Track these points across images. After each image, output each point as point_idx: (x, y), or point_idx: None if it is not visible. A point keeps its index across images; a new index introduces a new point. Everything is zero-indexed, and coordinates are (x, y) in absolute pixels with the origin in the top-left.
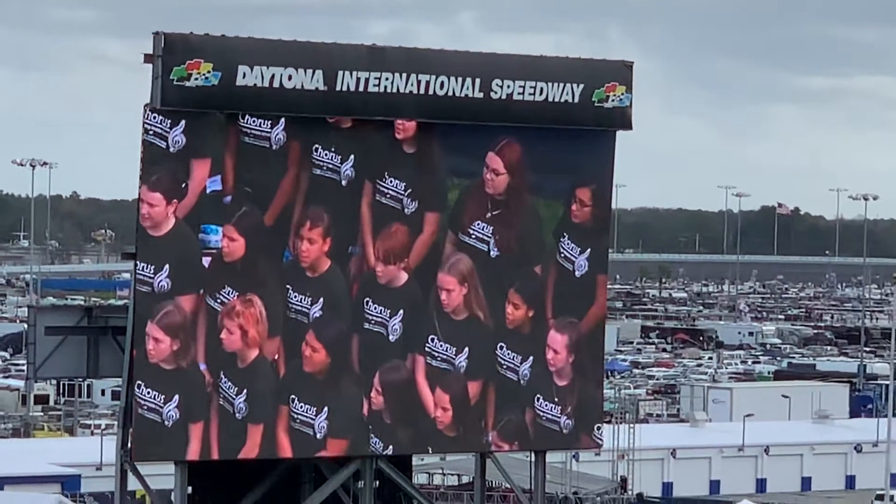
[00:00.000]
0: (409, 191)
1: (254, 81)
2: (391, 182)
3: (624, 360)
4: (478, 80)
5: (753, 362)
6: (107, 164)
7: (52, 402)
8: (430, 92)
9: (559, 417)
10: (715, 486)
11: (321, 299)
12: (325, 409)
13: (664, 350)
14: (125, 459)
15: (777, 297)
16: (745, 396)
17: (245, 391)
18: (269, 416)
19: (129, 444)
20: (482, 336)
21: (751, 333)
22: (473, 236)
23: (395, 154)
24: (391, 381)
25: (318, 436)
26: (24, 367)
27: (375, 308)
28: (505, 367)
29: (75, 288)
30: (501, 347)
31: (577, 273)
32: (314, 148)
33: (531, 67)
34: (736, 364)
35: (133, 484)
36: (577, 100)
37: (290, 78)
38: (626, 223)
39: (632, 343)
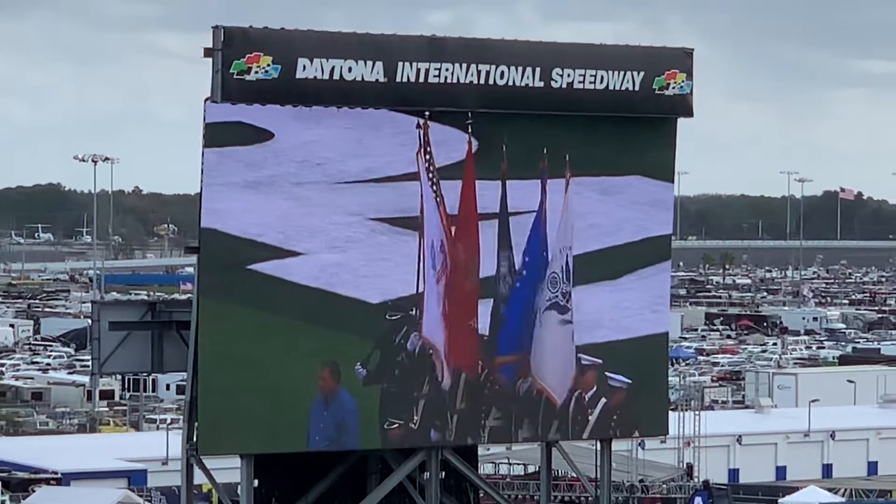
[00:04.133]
0: None
1: (314, 74)
2: None
3: (688, 348)
4: (538, 70)
5: (818, 347)
6: (168, 158)
7: (117, 398)
8: (491, 82)
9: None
10: (781, 471)
11: None
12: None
13: (728, 337)
14: (191, 453)
15: (841, 282)
16: (810, 382)
17: None
18: None
19: (195, 438)
20: None
21: (815, 319)
22: None
23: None
24: None
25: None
26: (89, 363)
27: None
28: None
29: (139, 283)
30: None
31: None
32: None
33: (591, 56)
34: (801, 349)
35: (200, 478)
36: (637, 88)
37: (349, 70)
38: (688, 210)
39: (696, 330)
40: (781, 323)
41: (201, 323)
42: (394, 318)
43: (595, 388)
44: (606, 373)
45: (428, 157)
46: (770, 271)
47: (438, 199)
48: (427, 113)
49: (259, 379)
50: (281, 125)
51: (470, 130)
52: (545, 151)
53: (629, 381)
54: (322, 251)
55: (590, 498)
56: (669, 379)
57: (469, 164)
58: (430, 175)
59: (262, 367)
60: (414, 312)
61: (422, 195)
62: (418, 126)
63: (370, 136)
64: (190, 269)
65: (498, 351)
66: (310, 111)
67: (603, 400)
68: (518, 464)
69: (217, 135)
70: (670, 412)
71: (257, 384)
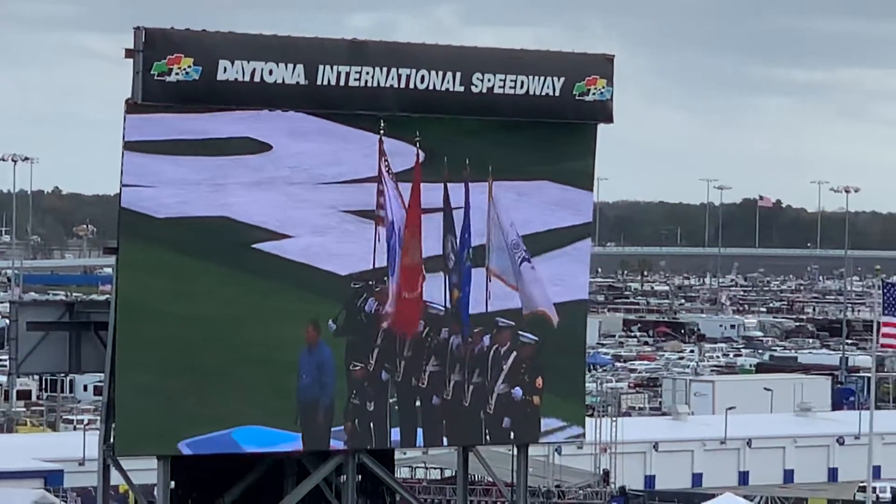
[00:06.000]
0: None
1: (234, 76)
2: None
3: (606, 354)
4: (458, 74)
5: (735, 355)
6: (88, 159)
7: (34, 398)
8: (411, 86)
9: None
10: (697, 478)
11: None
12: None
13: (646, 343)
14: (108, 454)
15: (759, 290)
16: (727, 389)
17: None
18: None
19: (112, 439)
20: None
21: (732, 326)
22: None
23: None
24: None
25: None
26: (6, 363)
27: None
28: None
29: (57, 283)
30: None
31: None
32: None
33: (512, 61)
34: (718, 357)
35: (116, 479)
36: (557, 93)
37: (270, 72)
38: (607, 216)
39: (613, 336)
40: (699, 330)
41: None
42: (356, 286)
43: (509, 344)
44: (519, 332)
45: (386, 164)
46: (688, 278)
47: (397, 196)
48: (382, 130)
49: (251, 334)
50: (277, 139)
51: (418, 145)
52: (467, 162)
53: (536, 338)
54: (306, 235)
55: (506, 503)
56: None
57: (417, 170)
58: (391, 177)
59: (254, 326)
60: (372, 283)
61: (382, 193)
62: (379, 141)
63: (342, 148)
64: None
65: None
66: (300, 129)
67: (514, 353)
68: (435, 468)
69: (226, 146)
70: (587, 418)
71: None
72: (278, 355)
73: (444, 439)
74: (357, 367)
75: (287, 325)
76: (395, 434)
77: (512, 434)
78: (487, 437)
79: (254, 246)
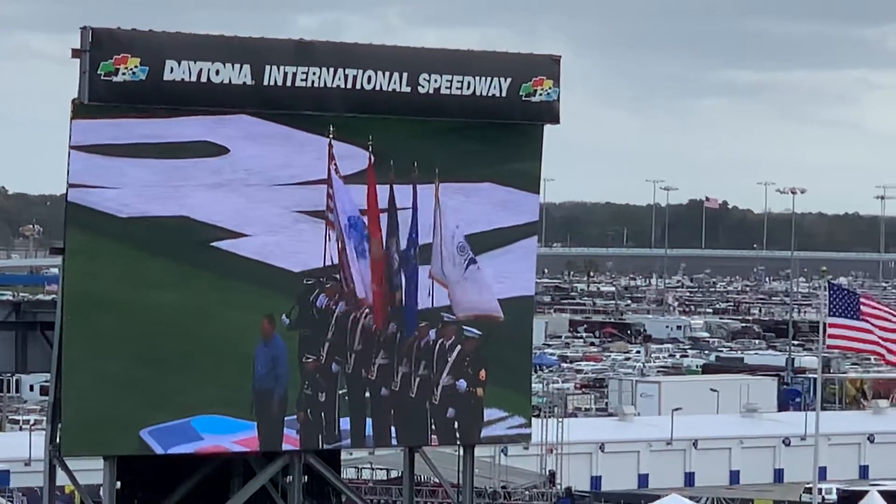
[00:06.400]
0: None
1: (181, 76)
2: None
3: (552, 355)
4: (405, 75)
5: (682, 356)
6: (34, 159)
7: None
8: (358, 86)
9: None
10: (643, 479)
11: None
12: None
13: (592, 344)
14: (54, 454)
15: (705, 291)
16: (673, 390)
17: None
18: None
19: (58, 439)
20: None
21: (679, 327)
22: None
23: None
24: None
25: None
26: None
27: None
28: None
29: (3, 283)
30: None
31: None
32: None
33: (458, 62)
34: (664, 358)
35: (63, 479)
36: (504, 94)
37: (217, 73)
38: (553, 217)
39: (560, 337)
40: (645, 331)
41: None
42: (308, 283)
43: (454, 338)
44: (463, 326)
45: (335, 167)
46: (634, 279)
47: (349, 198)
48: (332, 134)
49: (208, 329)
50: (234, 143)
51: (370, 149)
52: (415, 164)
53: (480, 332)
54: (262, 234)
55: None
56: (533, 385)
57: (370, 172)
58: (340, 180)
59: (212, 320)
60: (323, 279)
61: (331, 196)
62: (329, 145)
63: (296, 152)
64: (55, 270)
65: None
66: (256, 134)
67: (459, 347)
68: (381, 469)
69: (185, 150)
70: (533, 419)
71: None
72: (235, 348)
73: (392, 429)
74: (309, 360)
75: (243, 320)
76: (345, 424)
77: (456, 423)
78: (433, 427)
79: (212, 244)
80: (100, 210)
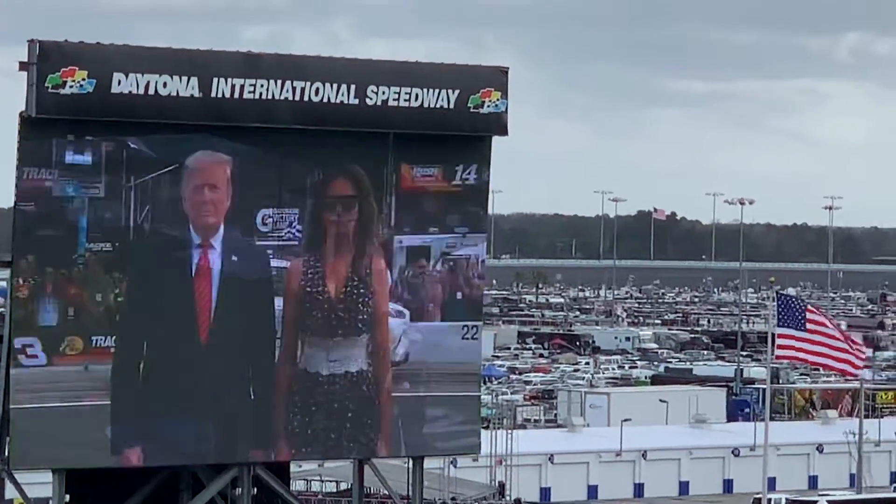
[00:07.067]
0: None
1: (129, 89)
2: None
3: (501, 366)
4: (353, 87)
5: (630, 367)
6: None
7: None
8: (306, 98)
9: None
10: (593, 490)
11: None
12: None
13: (541, 355)
14: (2, 468)
15: (653, 302)
16: (622, 401)
17: None
18: None
19: (7, 453)
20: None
21: (628, 338)
22: None
23: None
24: None
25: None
26: None
27: None
28: None
29: None
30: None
31: None
32: None
33: (406, 73)
34: (613, 369)
35: (11, 492)
36: (452, 105)
37: (165, 85)
38: (501, 228)
39: (509, 349)
40: (594, 342)
41: None
42: None
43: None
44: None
45: None
46: (583, 290)
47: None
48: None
49: None
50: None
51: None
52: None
53: None
54: None
55: None
56: (482, 397)
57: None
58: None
59: None
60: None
61: None
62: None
63: None
64: (3, 283)
65: None
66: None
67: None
68: (330, 481)
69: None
70: (482, 430)
71: None
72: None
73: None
74: None
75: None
76: None
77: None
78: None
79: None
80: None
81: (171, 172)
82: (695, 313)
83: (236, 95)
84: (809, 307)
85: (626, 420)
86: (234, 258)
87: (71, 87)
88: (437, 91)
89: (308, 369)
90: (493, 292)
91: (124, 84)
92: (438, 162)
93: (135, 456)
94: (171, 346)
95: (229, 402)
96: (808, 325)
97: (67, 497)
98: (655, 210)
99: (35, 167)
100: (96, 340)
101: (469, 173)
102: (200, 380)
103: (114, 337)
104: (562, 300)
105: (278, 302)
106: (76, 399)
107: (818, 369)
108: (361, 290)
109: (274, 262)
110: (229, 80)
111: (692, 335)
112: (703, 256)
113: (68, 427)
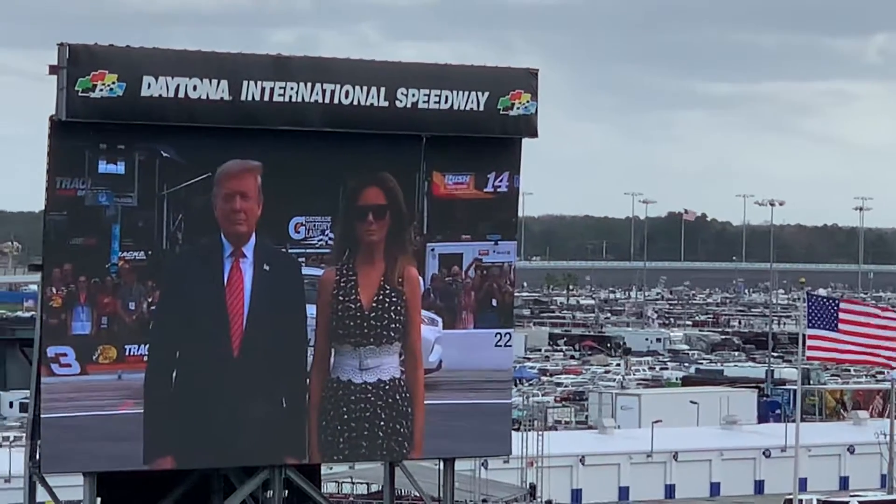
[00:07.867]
0: None
1: (159, 92)
2: None
3: (532, 368)
4: (383, 89)
5: (661, 368)
6: (13, 176)
7: None
8: (336, 101)
9: None
10: (624, 492)
11: None
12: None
13: (572, 357)
14: (34, 471)
15: (684, 304)
16: (653, 403)
17: None
18: None
19: (38, 456)
20: None
21: (658, 340)
22: None
23: None
24: None
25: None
26: None
27: None
28: None
29: None
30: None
31: None
32: None
33: (436, 76)
34: (644, 370)
35: (42, 495)
36: (482, 108)
37: (194, 88)
38: (532, 231)
39: (539, 350)
40: (625, 344)
41: None
42: None
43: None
44: None
45: None
46: (614, 292)
47: None
48: None
49: None
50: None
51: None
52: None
53: None
54: None
55: None
56: (513, 399)
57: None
58: None
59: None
60: None
61: None
62: None
63: None
64: (33, 287)
65: None
66: None
67: None
68: (361, 483)
69: None
70: (514, 432)
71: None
72: None
73: None
74: None
75: None
76: None
77: None
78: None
79: None
80: None
81: (203, 181)
82: (725, 314)
83: (266, 98)
84: (842, 301)
85: (656, 421)
86: (266, 267)
87: (101, 90)
88: (466, 93)
89: (340, 377)
90: (524, 294)
91: (154, 87)
92: (470, 169)
93: (167, 462)
94: (204, 354)
95: (261, 410)
96: (841, 325)
97: (98, 500)
98: (686, 211)
99: (68, 177)
100: (129, 349)
101: (501, 181)
102: (233, 388)
103: (147, 345)
104: (592, 302)
105: (310, 310)
106: (110, 408)
107: (849, 370)
108: (394, 298)
109: (306, 271)
110: (259, 82)
111: (723, 336)
112: (734, 258)
113: (101, 435)
